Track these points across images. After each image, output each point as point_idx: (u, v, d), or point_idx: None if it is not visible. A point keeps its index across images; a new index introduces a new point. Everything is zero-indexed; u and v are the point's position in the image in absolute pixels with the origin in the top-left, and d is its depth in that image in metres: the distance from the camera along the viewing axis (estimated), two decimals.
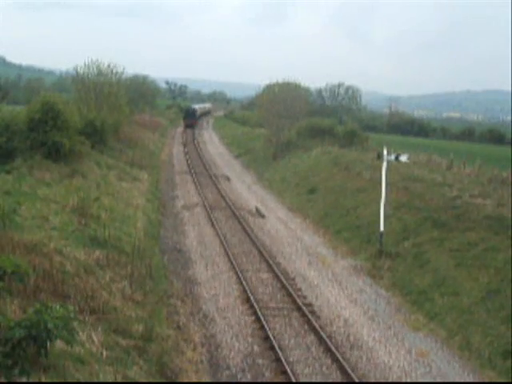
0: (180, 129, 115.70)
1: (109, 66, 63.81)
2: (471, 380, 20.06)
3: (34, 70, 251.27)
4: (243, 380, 18.67)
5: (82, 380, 12.37)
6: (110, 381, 13.12)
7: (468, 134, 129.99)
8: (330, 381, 19.01)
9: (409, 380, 19.58)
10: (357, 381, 17.68)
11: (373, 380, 19.36)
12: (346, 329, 23.37)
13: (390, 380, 19.45)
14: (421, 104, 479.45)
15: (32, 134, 37.82)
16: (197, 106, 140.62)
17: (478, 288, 25.13)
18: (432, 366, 20.74)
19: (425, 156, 53.88)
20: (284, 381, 17.76)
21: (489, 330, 22.28)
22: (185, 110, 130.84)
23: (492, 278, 25.30)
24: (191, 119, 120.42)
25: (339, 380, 19.11)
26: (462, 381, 19.93)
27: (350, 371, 19.25)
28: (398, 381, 19.44)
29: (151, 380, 15.13)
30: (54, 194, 30.34)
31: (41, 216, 25.21)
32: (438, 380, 19.80)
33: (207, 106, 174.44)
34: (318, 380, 19.04)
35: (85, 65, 62.95)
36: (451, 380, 19.89)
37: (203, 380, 18.25)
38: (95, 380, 12.79)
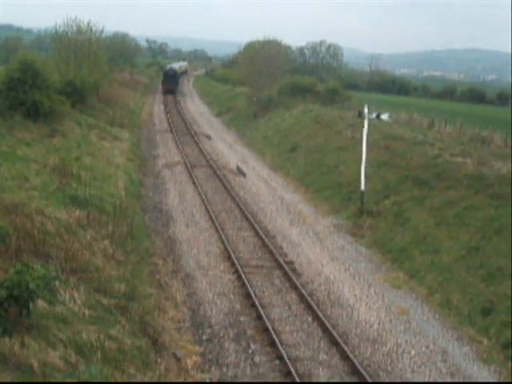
0: (161, 86, 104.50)
1: (88, 24, 63.00)
2: (450, 336, 20.32)
3: (11, 29, 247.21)
4: (225, 337, 18.81)
5: (65, 339, 12.41)
6: (93, 340, 13.18)
7: (449, 92, 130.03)
8: (312, 338, 19.20)
9: (389, 336, 19.81)
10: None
11: (354, 336, 19.57)
12: (327, 286, 23.55)
13: (370, 336, 19.67)
14: (402, 62, 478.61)
15: (11, 93, 37.33)
16: (177, 66, 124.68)
17: (457, 246, 25.34)
18: (412, 323, 20.98)
19: (406, 115, 53.97)
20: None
21: (468, 288, 22.53)
22: (163, 71, 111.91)
23: (472, 236, 25.52)
24: (171, 83, 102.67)
25: (320, 335, 19.31)
26: (442, 339, 20.20)
27: (330, 328, 19.45)
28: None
29: (134, 338, 15.22)
30: (34, 153, 30.11)
31: (21, 176, 25.04)
32: (419, 337, 20.04)
33: (184, 64, 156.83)
34: (299, 337, 19.21)
35: (64, 23, 62.11)
36: (431, 338, 20.14)
37: (185, 338, 18.37)
38: (78, 339, 12.84)
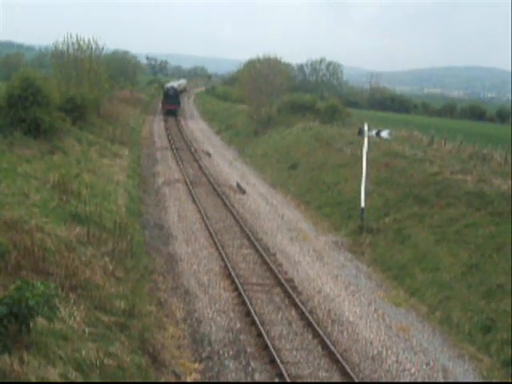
0: (161, 107, 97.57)
1: (89, 41, 63.28)
2: (451, 354, 20.27)
3: (12, 46, 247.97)
4: (225, 354, 18.75)
5: (64, 356, 12.38)
6: (93, 357, 13.14)
7: (449, 110, 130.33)
8: (312, 356, 19.15)
9: (390, 354, 19.74)
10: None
11: (354, 354, 19.51)
12: (327, 304, 23.50)
13: (370, 354, 19.61)
14: (402, 80, 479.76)
15: (11, 110, 37.47)
16: (176, 84, 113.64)
17: (458, 263, 25.32)
18: (412, 341, 20.91)
19: (406, 132, 54.07)
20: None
21: (469, 305, 22.48)
22: (163, 89, 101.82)
23: (472, 254, 25.50)
24: (172, 103, 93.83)
25: (321, 353, 19.25)
26: (443, 357, 20.14)
27: (331, 346, 19.39)
28: (384, 361, 19.60)
29: (133, 356, 15.17)
30: (35, 170, 30.14)
31: (21, 193, 25.04)
32: (419, 355, 19.98)
33: (183, 82, 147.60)
34: (300, 355, 19.16)
35: (64, 40, 62.39)
36: (431, 355, 20.08)
37: (184, 355, 18.33)
38: (78, 356, 12.80)
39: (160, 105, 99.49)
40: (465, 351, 20.48)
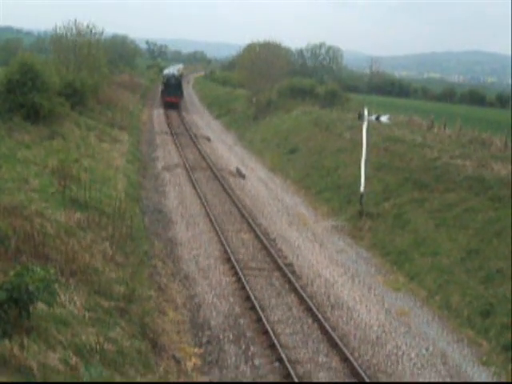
0: (160, 87, 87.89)
1: (88, 26, 63.13)
2: (450, 338, 20.33)
3: (11, 31, 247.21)
4: (225, 339, 18.81)
5: (64, 341, 12.40)
6: (93, 342, 13.16)
7: (449, 95, 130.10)
8: (312, 340, 19.20)
9: (389, 338, 19.80)
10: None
11: (353, 338, 19.57)
12: (327, 289, 23.54)
13: (369, 338, 19.67)
14: (402, 64, 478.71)
15: (10, 95, 37.36)
16: (176, 71, 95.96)
17: (457, 248, 25.35)
18: (411, 326, 20.97)
19: (405, 117, 53.96)
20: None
21: (468, 290, 22.52)
22: (163, 77, 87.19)
23: (471, 239, 25.52)
24: (174, 94, 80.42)
25: (320, 338, 19.31)
26: (442, 342, 20.20)
27: (330, 331, 19.45)
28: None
29: (133, 340, 15.20)
30: (34, 155, 30.13)
31: (20, 178, 25.04)
32: (418, 339, 20.04)
33: (180, 67, 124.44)
34: (299, 339, 19.21)
35: (63, 25, 62.25)
36: (430, 340, 20.14)
37: (184, 340, 18.37)
38: (78, 341, 12.83)
39: (159, 92, 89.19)
40: (464, 336, 20.53)
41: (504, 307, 20.82)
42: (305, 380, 16.82)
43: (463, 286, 22.86)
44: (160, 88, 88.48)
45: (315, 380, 16.97)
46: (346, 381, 17.02)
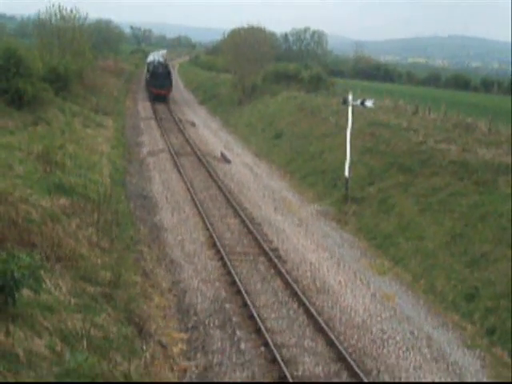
0: (145, 76, 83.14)
1: (71, 10, 62.68)
2: (435, 322, 20.46)
3: None
4: (211, 324, 18.83)
5: (50, 328, 12.40)
6: (79, 328, 13.17)
7: (433, 79, 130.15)
8: (297, 325, 19.26)
9: (374, 322, 19.90)
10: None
11: (339, 322, 19.65)
12: (312, 273, 23.61)
13: (355, 322, 19.76)
14: (387, 49, 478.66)
15: None
16: (162, 58, 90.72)
17: (442, 232, 25.49)
18: (397, 310, 21.09)
19: (390, 101, 54.01)
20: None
21: (452, 274, 22.67)
22: (148, 65, 77.89)
23: (456, 223, 25.66)
24: (162, 85, 69.73)
25: (306, 323, 19.37)
26: (427, 325, 20.32)
27: (316, 315, 19.51)
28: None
29: (119, 326, 15.21)
30: (18, 141, 29.96)
31: (5, 164, 24.88)
32: (403, 323, 20.16)
33: (163, 53, 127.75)
34: (285, 324, 19.27)
35: (47, 10, 61.79)
36: (415, 324, 20.27)
37: (170, 325, 18.40)
38: (64, 327, 12.83)
39: (144, 80, 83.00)
40: (449, 319, 20.69)
41: (488, 291, 20.98)
42: (291, 363, 16.86)
43: (448, 270, 23.00)
44: (145, 77, 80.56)
45: (301, 364, 17.02)
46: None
